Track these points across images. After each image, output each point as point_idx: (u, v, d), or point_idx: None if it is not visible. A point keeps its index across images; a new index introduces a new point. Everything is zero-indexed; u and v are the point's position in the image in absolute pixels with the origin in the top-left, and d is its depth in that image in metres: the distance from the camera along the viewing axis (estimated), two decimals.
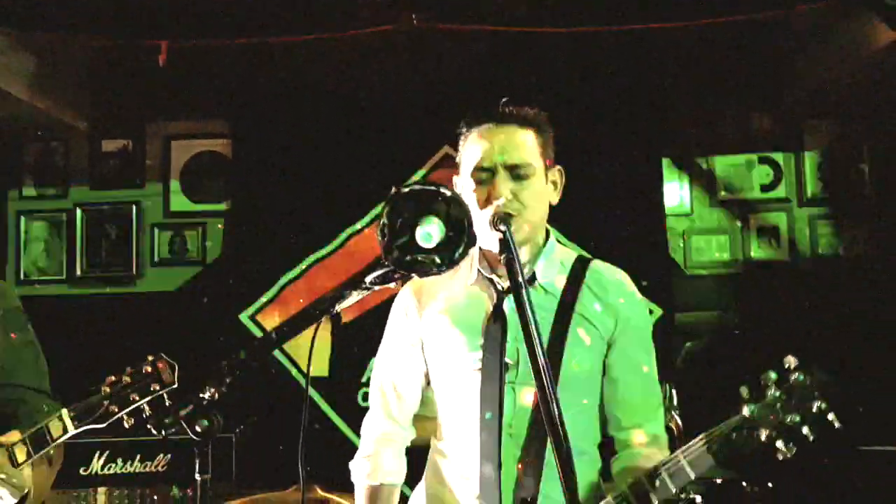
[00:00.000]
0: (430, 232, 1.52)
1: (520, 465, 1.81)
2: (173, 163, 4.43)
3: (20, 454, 1.85)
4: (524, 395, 1.82)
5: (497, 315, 1.86)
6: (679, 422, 2.85)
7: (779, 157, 4.36)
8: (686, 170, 4.35)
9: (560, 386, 1.78)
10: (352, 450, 3.88)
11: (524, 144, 1.85)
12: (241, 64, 4.04)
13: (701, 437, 1.52)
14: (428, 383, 2.02)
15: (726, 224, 4.32)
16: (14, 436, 1.89)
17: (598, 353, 1.87)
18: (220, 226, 4.41)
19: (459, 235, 1.53)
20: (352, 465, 2.06)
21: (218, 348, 3.82)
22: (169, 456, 3.31)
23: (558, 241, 1.99)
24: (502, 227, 1.62)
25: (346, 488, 3.09)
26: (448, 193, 1.54)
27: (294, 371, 4.12)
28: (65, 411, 1.87)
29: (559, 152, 1.96)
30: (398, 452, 2.04)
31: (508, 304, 1.86)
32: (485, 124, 1.88)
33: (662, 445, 1.87)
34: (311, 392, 4.11)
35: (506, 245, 1.60)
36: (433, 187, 1.55)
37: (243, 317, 4.23)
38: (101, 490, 3.25)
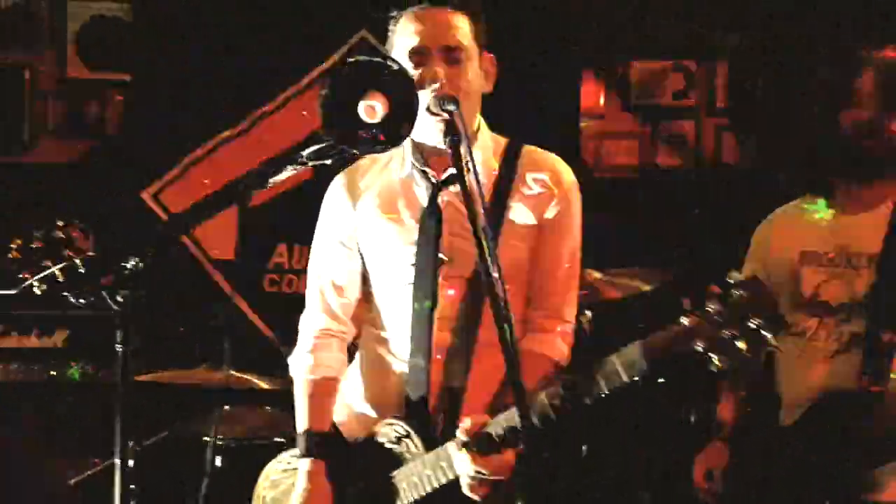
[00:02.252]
0: (373, 106, 1.48)
1: (448, 355, 1.84)
2: (70, 26, 4.13)
3: None
4: (457, 287, 1.84)
5: (432, 209, 1.85)
6: (590, 317, 2.96)
7: (692, 65, 4.44)
8: (602, 73, 4.38)
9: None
10: (255, 333, 3.92)
11: (459, 28, 1.81)
12: None
13: (636, 342, 1.55)
14: (364, 279, 1.99)
15: (637, 129, 4.41)
16: None
17: (531, 237, 1.88)
18: (119, 97, 4.17)
19: (405, 111, 1.49)
20: (290, 360, 2.03)
21: (119, 226, 3.67)
22: (68, 331, 3.20)
23: None
24: (450, 107, 1.58)
25: (254, 368, 3.11)
26: (395, 66, 1.49)
27: (199, 254, 4.02)
28: None
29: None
30: (339, 347, 2.01)
31: (443, 198, 1.85)
32: (418, 5, 1.81)
33: (569, 334, 1.93)
34: (216, 275, 4.04)
35: (451, 127, 1.56)
36: (379, 59, 1.49)
37: (146, 195, 4.06)
38: None
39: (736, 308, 1.43)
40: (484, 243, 1.46)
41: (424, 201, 1.87)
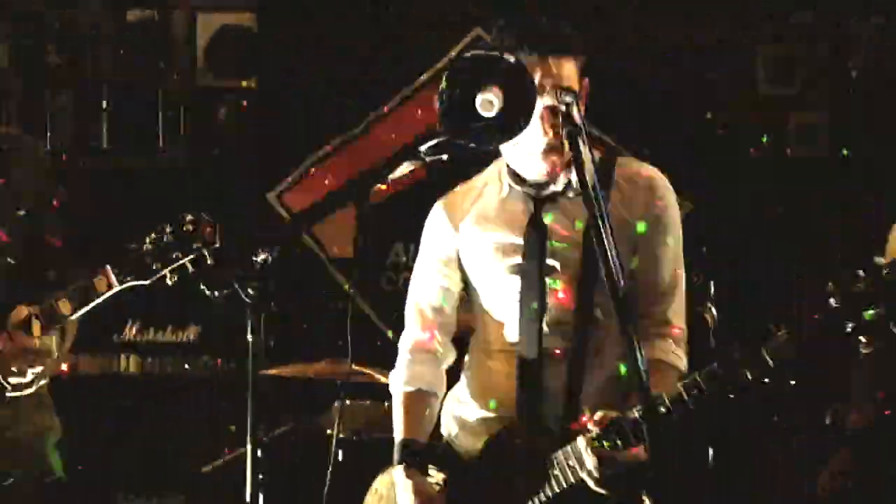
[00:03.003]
0: (490, 100, 1.49)
1: (561, 362, 1.86)
2: (199, 37, 4.34)
3: (65, 308, 1.83)
4: (566, 293, 1.87)
5: (536, 225, 1.89)
6: (714, 313, 2.88)
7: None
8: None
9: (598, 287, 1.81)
10: (374, 330, 3.99)
11: (568, 76, 1.81)
12: None
13: (782, 328, 1.52)
14: (465, 299, 2.04)
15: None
16: (21, 311, 1.87)
17: (629, 249, 1.88)
18: (245, 103, 4.35)
19: (521, 104, 1.49)
20: (389, 377, 2.09)
21: (244, 224, 3.83)
22: (199, 327, 3.37)
23: None
24: (567, 98, 1.56)
25: (375, 363, 3.18)
26: (511, 60, 1.50)
27: (319, 253, 4.15)
28: (108, 267, 1.83)
29: None
30: (436, 364, 2.05)
31: (545, 213, 1.89)
32: (530, 52, 1.78)
33: (681, 340, 1.91)
34: (336, 273, 4.15)
35: (569, 119, 1.55)
36: (496, 54, 1.50)
37: (270, 196, 4.22)
38: (133, 357, 3.33)
39: (888, 287, 1.38)
40: (604, 238, 1.45)
41: (525, 217, 1.92)
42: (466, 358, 2.09)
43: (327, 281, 4.12)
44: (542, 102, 1.73)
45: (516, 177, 1.92)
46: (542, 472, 1.78)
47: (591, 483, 1.70)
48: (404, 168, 1.64)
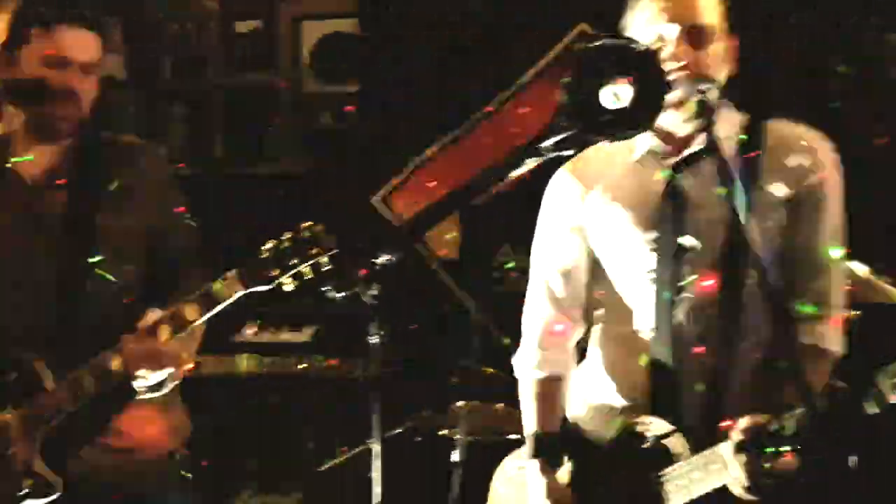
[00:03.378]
0: (618, 91, 1.43)
1: (700, 348, 1.72)
2: (304, 44, 4.42)
3: (191, 313, 1.87)
4: (704, 274, 1.71)
5: (672, 191, 1.74)
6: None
7: None
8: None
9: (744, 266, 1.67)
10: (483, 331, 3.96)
11: (706, 6, 1.70)
12: None
13: None
14: (594, 270, 1.91)
15: None
16: (150, 316, 1.90)
17: (785, 217, 1.72)
18: (349, 107, 4.41)
19: (652, 94, 1.43)
20: (514, 358, 1.99)
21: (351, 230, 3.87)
22: (315, 328, 3.42)
23: None
24: (703, 86, 1.49)
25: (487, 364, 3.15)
26: (641, 48, 1.43)
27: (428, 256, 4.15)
28: (232, 273, 1.85)
29: None
30: (567, 342, 1.94)
31: (683, 180, 1.74)
32: None
33: (839, 321, 1.74)
34: (444, 276, 4.16)
35: (702, 107, 1.48)
36: (625, 42, 1.44)
37: (375, 200, 4.25)
38: (252, 356, 3.42)
39: None
40: (742, 222, 1.36)
41: (660, 185, 1.77)
42: (594, 334, 1.96)
43: (435, 284, 4.12)
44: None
45: (652, 136, 1.76)
46: (678, 475, 1.68)
47: (735, 490, 1.59)
48: (526, 167, 1.59)
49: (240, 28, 4.46)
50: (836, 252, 1.74)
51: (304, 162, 4.42)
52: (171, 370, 1.90)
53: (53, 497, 1.91)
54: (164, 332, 1.86)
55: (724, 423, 1.61)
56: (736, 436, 1.57)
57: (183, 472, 2.21)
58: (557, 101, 1.46)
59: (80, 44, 1.97)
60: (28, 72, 1.94)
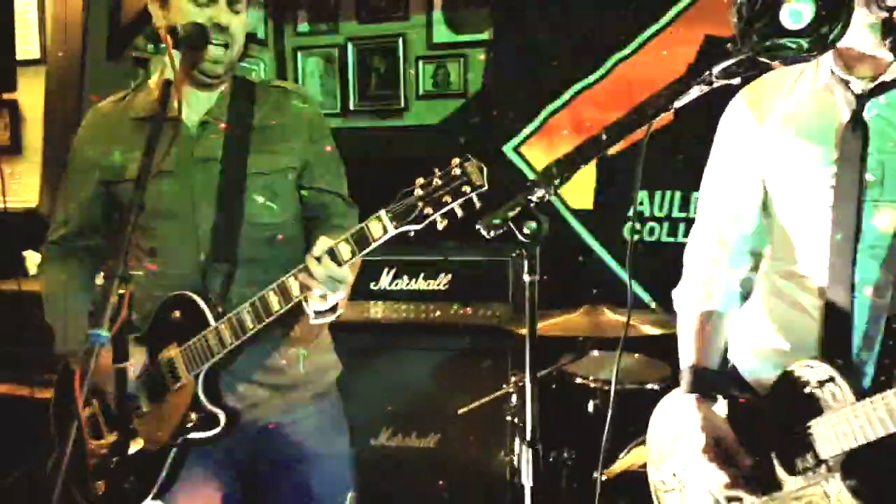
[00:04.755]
0: (799, 9, 1.33)
1: (877, 291, 1.61)
2: None
3: (345, 253, 1.88)
4: (886, 216, 1.60)
5: (856, 123, 1.61)
6: None
7: None
8: None
9: None
10: (615, 278, 3.89)
11: None
12: None
13: None
14: (764, 209, 1.83)
15: None
16: (325, 241, 1.89)
17: None
18: (481, 57, 4.36)
19: (835, 12, 1.32)
20: (676, 292, 1.94)
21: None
22: (450, 276, 3.44)
23: None
24: (892, 3, 1.37)
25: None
26: None
27: (559, 205, 4.10)
28: (383, 212, 1.84)
29: None
30: (732, 282, 1.88)
31: (870, 110, 1.61)
32: None
33: None
34: (576, 224, 4.09)
35: (891, 29, 1.36)
36: None
37: (507, 148, 4.21)
38: (389, 303, 3.47)
39: None
40: None
41: (845, 115, 1.64)
42: (760, 274, 1.88)
43: (569, 235, 4.07)
44: None
45: (839, 59, 1.63)
46: (839, 422, 1.58)
47: None
48: (692, 94, 1.51)
49: None
50: None
51: (437, 112, 4.42)
52: (343, 295, 1.93)
53: (217, 430, 1.99)
54: (345, 253, 1.87)
55: None
56: None
57: (334, 412, 2.27)
58: (730, 20, 1.37)
59: None
60: (180, 14, 1.99)
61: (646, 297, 3.81)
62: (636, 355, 3.26)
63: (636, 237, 3.89)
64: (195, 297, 2.02)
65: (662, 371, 3.06)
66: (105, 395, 2.08)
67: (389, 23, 4.47)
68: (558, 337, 3.01)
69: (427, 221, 1.85)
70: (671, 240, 3.91)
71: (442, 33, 4.41)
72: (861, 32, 1.49)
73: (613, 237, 4.03)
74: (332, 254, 1.87)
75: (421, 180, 1.86)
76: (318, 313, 1.96)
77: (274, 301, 1.92)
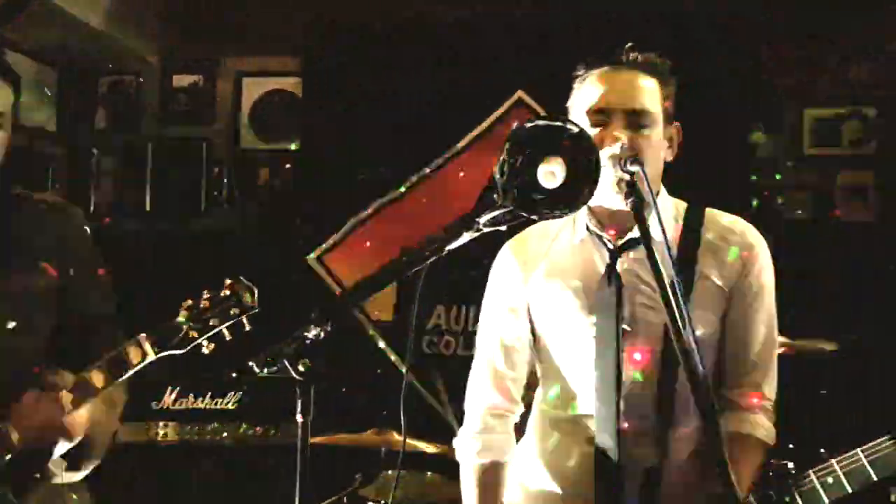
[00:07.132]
0: (553, 171, 1.43)
1: (638, 433, 1.71)
2: (244, 100, 4.39)
3: (98, 380, 1.74)
4: (644, 360, 1.71)
5: (610, 277, 1.72)
6: None
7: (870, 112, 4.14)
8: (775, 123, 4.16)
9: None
10: (417, 396, 3.90)
11: (645, 91, 1.72)
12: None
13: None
14: (537, 351, 1.90)
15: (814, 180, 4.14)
16: (52, 379, 1.77)
17: (719, 312, 1.75)
18: (288, 165, 4.37)
19: (585, 175, 1.43)
20: (457, 442, 1.95)
21: (285, 289, 3.79)
22: (239, 394, 3.31)
23: None
24: (632, 168, 1.50)
25: (421, 434, 3.08)
26: (575, 130, 1.44)
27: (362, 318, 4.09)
28: (143, 336, 1.75)
29: None
30: (508, 427, 1.92)
31: (622, 264, 1.74)
32: (605, 66, 1.75)
33: (771, 412, 1.77)
34: (377, 336, 4.09)
35: (634, 189, 1.49)
36: (559, 123, 1.45)
37: (310, 258, 4.19)
38: (172, 424, 3.28)
39: None
40: (675, 309, 1.36)
41: (601, 268, 1.76)
42: (532, 417, 1.93)
43: (368, 346, 4.06)
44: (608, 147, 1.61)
45: (594, 216, 1.77)
46: None
47: None
48: (463, 239, 1.57)
49: (179, 82, 4.41)
50: (770, 345, 1.78)
51: (238, 218, 4.35)
52: (65, 443, 1.77)
53: None
54: (67, 400, 1.73)
55: None
56: None
57: None
58: (490, 177, 1.45)
59: None
60: None
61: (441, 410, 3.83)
62: (429, 474, 3.24)
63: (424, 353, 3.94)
64: None
65: (456, 490, 3.06)
66: None
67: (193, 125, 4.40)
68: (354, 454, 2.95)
69: (191, 346, 1.78)
70: (467, 353, 4.00)
71: (248, 139, 4.40)
72: (610, 191, 1.61)
73: (413, 351, 4.05)
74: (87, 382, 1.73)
75: (189, 302, 1.79)
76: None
77: None
